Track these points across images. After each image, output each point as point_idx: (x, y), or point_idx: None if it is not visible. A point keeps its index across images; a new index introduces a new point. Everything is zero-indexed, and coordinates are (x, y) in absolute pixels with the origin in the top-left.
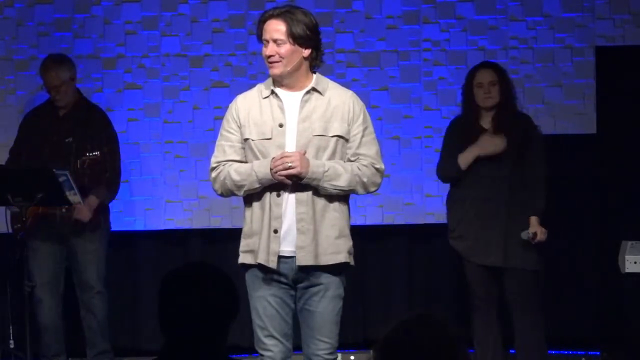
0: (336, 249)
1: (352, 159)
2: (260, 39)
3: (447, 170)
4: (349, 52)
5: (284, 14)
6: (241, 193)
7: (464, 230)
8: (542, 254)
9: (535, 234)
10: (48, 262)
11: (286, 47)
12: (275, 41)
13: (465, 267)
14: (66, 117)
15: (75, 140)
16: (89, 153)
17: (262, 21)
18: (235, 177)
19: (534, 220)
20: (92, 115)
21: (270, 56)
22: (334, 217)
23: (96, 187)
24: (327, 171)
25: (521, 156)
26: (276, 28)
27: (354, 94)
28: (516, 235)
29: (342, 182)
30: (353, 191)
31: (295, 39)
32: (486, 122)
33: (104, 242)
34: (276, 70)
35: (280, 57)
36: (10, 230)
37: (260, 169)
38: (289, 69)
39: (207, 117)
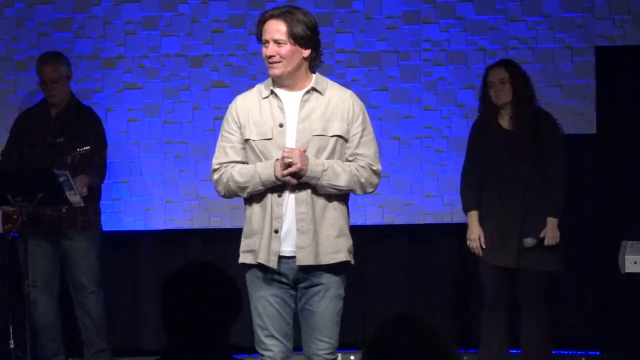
0: (336, 248)
1: (350, 158)
2: (260, 40)
3: (463, 194)
4: (349, 52)
5: (284, 14)
6: (244, 195)
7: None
8: (560, 254)
9: (542, 239)
10: (41, 263)
11: (287, 48)
12: (276, 41)
13: (479, 266)
14: (58, 117)
15: (66, 140)
16: (79, 149)
17: (262, 21)
18: (239, 179)
19: (550, 221)
20: (82, 115)
21: (270, 56)
22: (334, 217)
23: (85, 169)
24: (326, 170)
25: (539, 155)
26: (277, 28)
27: (354, 94)
28: (531, 236)
29: (341, 182)
30: (351, 191)
31: (296, 39)
32: (504, 120)
33: (96, 242)
34: (277, 70)
35: (281, 57)
36: (1, 231)
37: (263, 171)
38: (289, 69)
39: (207, 117)
